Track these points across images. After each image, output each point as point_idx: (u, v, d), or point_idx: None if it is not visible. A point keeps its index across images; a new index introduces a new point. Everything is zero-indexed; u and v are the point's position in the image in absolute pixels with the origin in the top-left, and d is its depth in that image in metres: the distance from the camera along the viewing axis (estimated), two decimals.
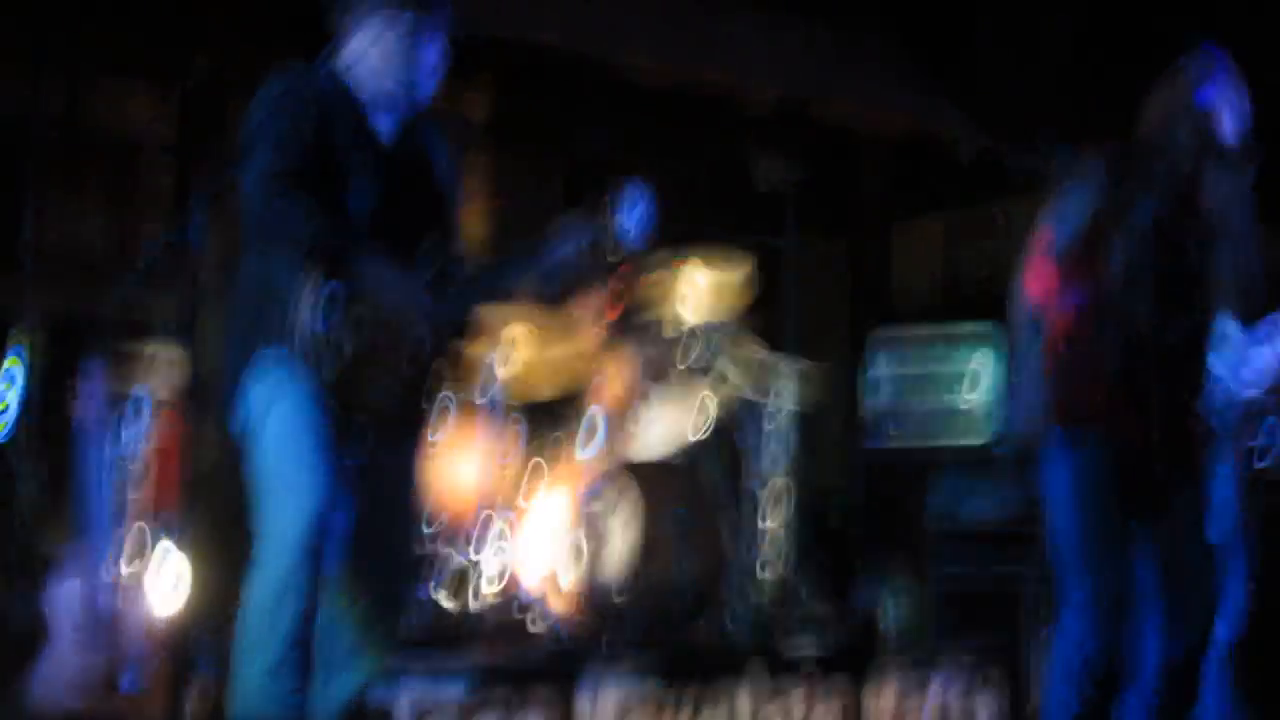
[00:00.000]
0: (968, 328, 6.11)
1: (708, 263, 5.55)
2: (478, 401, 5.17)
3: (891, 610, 5.27)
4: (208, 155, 6.83)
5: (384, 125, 3.47)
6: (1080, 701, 3.60)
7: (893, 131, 8.51)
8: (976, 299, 8.74)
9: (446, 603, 5.09)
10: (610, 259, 3.49)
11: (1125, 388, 3.59)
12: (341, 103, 3.41)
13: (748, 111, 7.78)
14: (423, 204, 3.54)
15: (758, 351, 5.66)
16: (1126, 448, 3.60)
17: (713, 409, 5.49)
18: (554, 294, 3.54)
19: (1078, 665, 3.60)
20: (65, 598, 4.43)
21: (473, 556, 5.05)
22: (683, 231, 7.83)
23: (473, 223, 7.97)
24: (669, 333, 5.42)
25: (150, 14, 6.85)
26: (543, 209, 8.02)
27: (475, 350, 5.15)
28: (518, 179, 8.26)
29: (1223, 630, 4.23)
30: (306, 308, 3.23)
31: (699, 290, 5.57)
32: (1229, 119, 3.66)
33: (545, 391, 5.73)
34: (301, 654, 3.25)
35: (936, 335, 6.17)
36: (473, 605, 4.94)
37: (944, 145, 6.84)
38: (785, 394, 5.74)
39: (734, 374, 5.44)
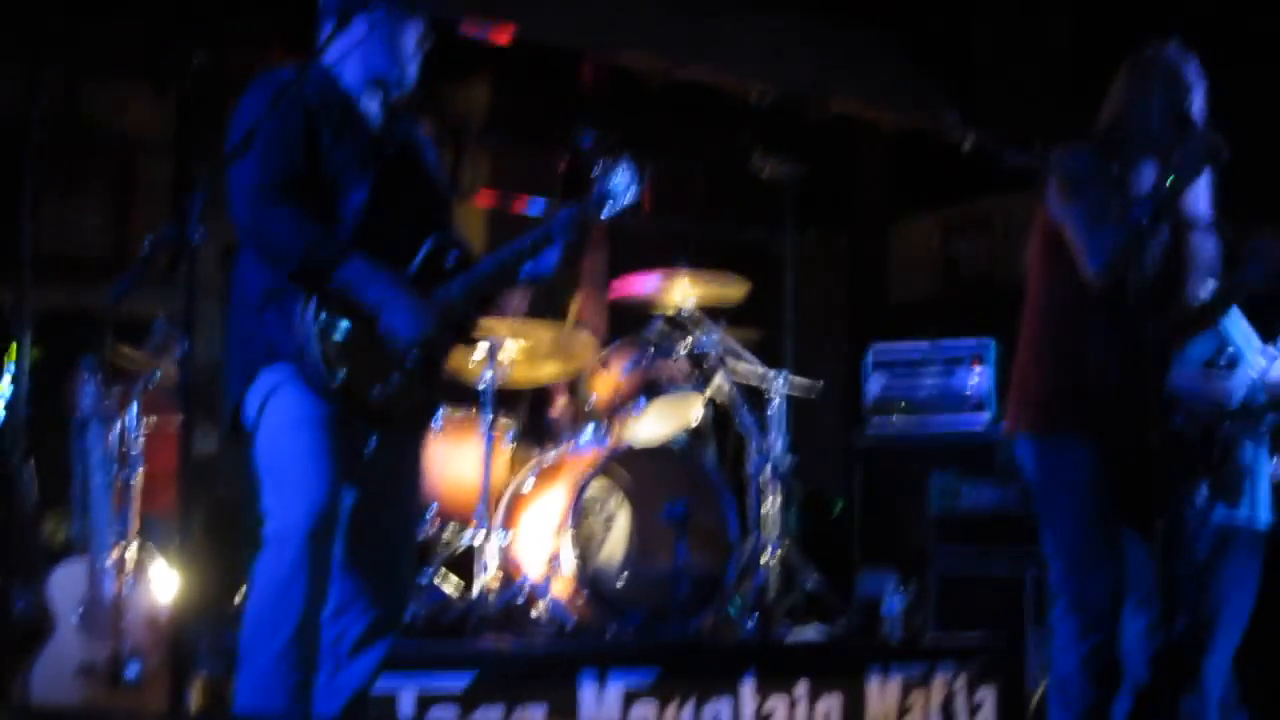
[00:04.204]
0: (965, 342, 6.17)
1: (704, 275, 5.55)
2: (479, 389, 5.17)
3: (892, 601, 5.26)
4: (206, 153, 6.84)
5: (372, 111, 3.50)
6: (1080, 701, 3.60)
7: (891, 128, 8.51)
8: (974, 294, 8.76)
9: (449, 591, 5.10)
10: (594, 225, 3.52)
11: (1116, 391, 3.59)
12: (330, 93, 3.43)
13: (746, 109, 7.78)
14: (416, 188, 3.56)
15: (752, 365, 5.66)
16: (1117, 451, 3.60)
17: (705, 409, 5.49)
18: (545, 274, 3.54)
19: (1075, 665, 3.60)
20: (67, 590, 4.43)
21: (475, 544, 5.05)
22: (681, 229, 7.88)
23: (471, 220, 7.98)
24: (664, 344, 5.42)
25: (148, 14, 6.86)
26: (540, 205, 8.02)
27: (474, 342, 5.16)
28: (514, 177, 8.26)
29: (1238, 618, 4.24)
30: (305, 320, 3.25)
31: (693, 295, 5.58)
32: (1198, 96, 3.66)
33: (543, 378, 5.74)
34: (307, 643, 3.25)
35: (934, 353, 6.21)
36: (475, 593, 4.94)
37: (942, 142, 6.84)
38: (783, 384, 5.74)
39: (726, 378, 5.44)
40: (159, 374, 5.38)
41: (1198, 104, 3.64)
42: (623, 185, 3.50)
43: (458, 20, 6.59)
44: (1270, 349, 3.76)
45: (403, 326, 3.35)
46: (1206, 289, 3.74)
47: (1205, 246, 3.71)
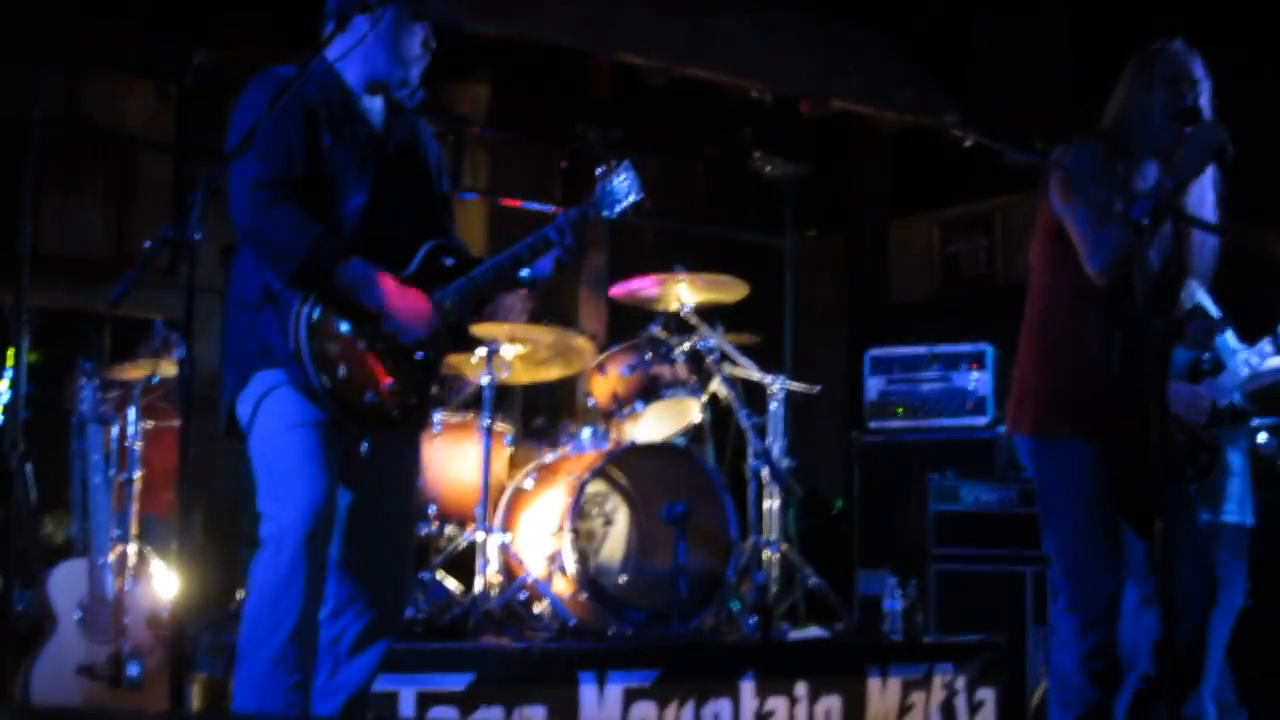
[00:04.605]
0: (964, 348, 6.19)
1: (703, 278, 5.55)
2: (479, 388, 5.17)
3: (892, 600, 5.26)
4: (206, 153, 6.84)
5: (374, 110, 3.50)
6: (1080, 699, 3.61)
7: (891, 128, 8.51)
8: (974, 293, 8.77)
9: (450, 590, 5.09)
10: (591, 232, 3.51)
11: (1117, 392, 3.59)
12: (332, 91, 3.42)
13: (746, 109, 7.78)
14: (415, 189, 3.56)
15: (749, 370, 5.66)
16: (1118, 451, 3.60)
17: (704, 409, 5.48)
18: (543, 277, 3.55)
19: (1075, 663, 3.60)
20: (68, 590, 4.43)
21: (475, 544, 5.05)
22: (681, 229, 7.88)
23: (471, 220, 7.98)
24: (663, 345, 5.41)
25: (148, 13, 6.87)
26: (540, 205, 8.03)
27: (470, 350, 5.16)
28: (514, 177, 8.26)
29: (1226, 616, 4.24)
30: (299, 322, 3.25)
31: (693, 294, 5.58)
32: (1203, 94, 3.66)
33: (543, 378, 5.73)
34: (305, 644, 3.25)
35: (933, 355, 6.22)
36: (475, 593, 4.93)
37: (942, 141, 6.84)
38: (783, 383, 5.74)
39: (725, 376, 5.43)
40: (157, 375, 5.38)
41: (1203, 102, 3.64)
42: (624, 188, 3.50)
43: (459, 19, 6.59)
44: (1252, 354, 3.75)
45: (407, 327, 3.35)
46: (1192, 295, 3.73)
47: (1206, 248, 3.71)
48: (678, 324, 5.61)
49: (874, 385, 6.32)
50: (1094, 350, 3.61)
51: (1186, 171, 3.49)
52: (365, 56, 3.45)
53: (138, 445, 5.21)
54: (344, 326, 3.32)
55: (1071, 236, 3.58)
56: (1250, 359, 3.74)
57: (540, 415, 6.20)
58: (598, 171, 3.51)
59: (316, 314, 3.28)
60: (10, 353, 5.14)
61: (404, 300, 3.35)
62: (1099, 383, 3.60)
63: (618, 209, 3.50)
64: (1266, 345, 3.78)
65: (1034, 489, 3.83)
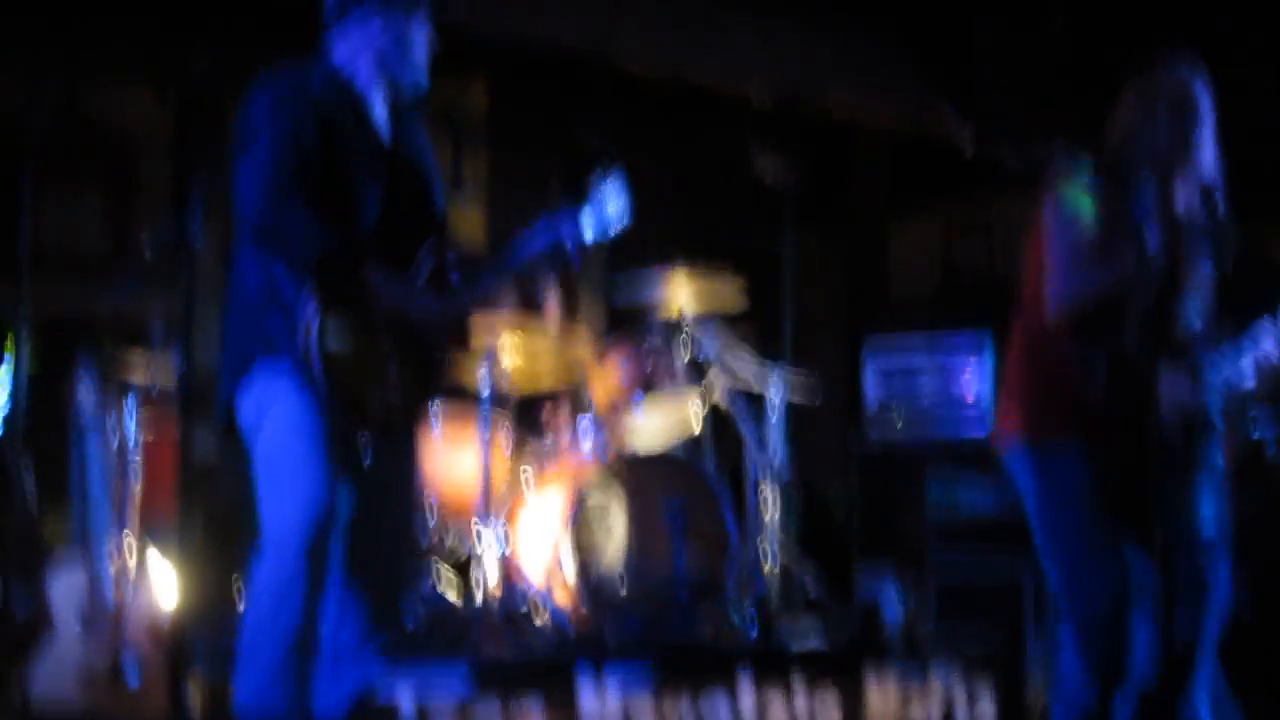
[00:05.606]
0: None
1: (701, 269, 5.55)
2: (478, 395, 5.17)
3: (891, 604, 5.28)
4: (206, 154, 6.84)
5: (380, 116, 3.50)
6: (1081, 704, 3.61)
7: (891, 130, 8.51)
8: (974, 297, 8.77)
9: (449, 596, 5.10)
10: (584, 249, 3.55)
11: (1110, 402, 3.59)
12: (341, 96, 3.43)
13: (745, 110, 7.78)
14: (419, 197, 3.57)
15: (750, 359, 5.66)
16: (1110, 460, 3.60)
17: (703, 414, 5.48)
18: (535, 282, 3.59)
19: (1077, 668, 3.61)
20: (67, 592, 4.43)
21: (475, 550, 5.05)
22: (680, 231, 7.87)
23: (469, 221, 7.98)
24: (662, 338, 5.42)
25: (148, 13, 6.86)
26: (538, 207, 8.02)
27: (472, 348, 5.16)
28: (514, 177, 8.26)
29: (1213, 622, 4.24)
30: (310, 323, 3.25)
31: (691, 297, 5.58)
32: (1208, 124, 3.65)
33: (541, 385, 5.74)
34: (305, 650, 3.26)
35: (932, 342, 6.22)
36: (475, 598, 4.94)
37: (942, 143, 6.85)
38: (783, 388, 5.74)
39: (725, 382, 5.44)
40: (158, 375, 5.38)
41: (1207, 134, 3.63)
42: (614, 213, 3.52)
43: (459, 19, 6.59)
44: (1230, 370, 3.74)
45: (417, 331, 3.36)
46: (1194, 319, 3.73)
47: (1206, 265, 3.70)
48: (677, 324, 5.61)
49: (873, 386, 6.32)
50: (1083, 355, 3.61)
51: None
52: (377, 56, 3.45)
53: (138, 446, 5.20)
54: (354, 329, 3.32)
55: (1046, 259, 3.59)
56: (1229, 375, 3.72)
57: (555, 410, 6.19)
58: (591, 191, 3.53)
59: (327, 315, 3.28)
60: (10, 351, 5.14)
61: (414, 304, 3.36)
62: (1085, 395, 3.60)
63: (609, 231, 3.53)
64: (1245, 362, 3.77)
65: (1026, 494, 3.82)
